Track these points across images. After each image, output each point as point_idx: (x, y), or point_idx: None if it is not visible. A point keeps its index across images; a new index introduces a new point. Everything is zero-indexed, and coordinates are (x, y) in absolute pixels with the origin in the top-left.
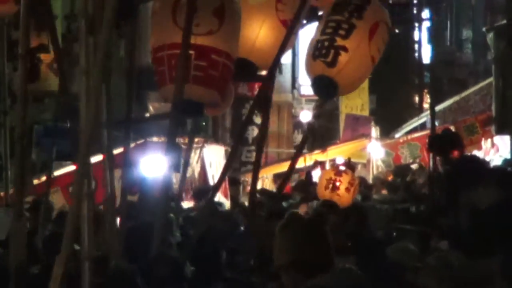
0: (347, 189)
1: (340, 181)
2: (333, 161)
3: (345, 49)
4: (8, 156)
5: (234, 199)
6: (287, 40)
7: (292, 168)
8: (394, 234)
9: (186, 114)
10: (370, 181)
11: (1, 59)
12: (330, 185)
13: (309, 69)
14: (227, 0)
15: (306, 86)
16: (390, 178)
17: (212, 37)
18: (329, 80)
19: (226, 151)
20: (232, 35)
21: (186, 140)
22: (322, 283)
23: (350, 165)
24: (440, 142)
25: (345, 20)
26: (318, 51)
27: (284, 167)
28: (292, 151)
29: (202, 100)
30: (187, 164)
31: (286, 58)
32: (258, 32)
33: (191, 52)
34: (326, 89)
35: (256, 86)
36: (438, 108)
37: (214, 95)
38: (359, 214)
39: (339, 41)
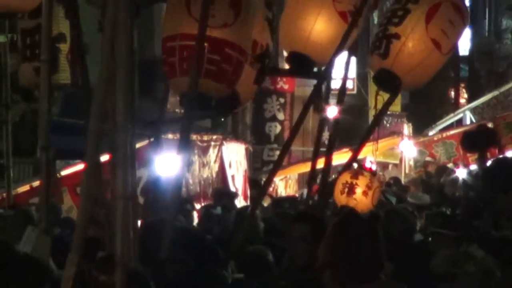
0: (364, 193)
1: (356, 184)
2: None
3: (397, 36)
4: (10, 154)
5: (255, 202)
6: (348, 34)
7: (328, 166)
8: (430, 238)
9: (195, 108)
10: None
11: (3, 50)
12: (346, 189)
13: (370, 65)
14: None
15: (333, 79)
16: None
17: (227, 30)
18: (386, 72)
19: (246, 149)
20: (247, 29)
21: (204, 138)
22: None
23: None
24: (475, 139)
25: (400, 7)
26: (373, 44)
27: (307, 167)
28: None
29: (211, 93)
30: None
31: None
32: (314, 24)
33: (204, 43)
34: (387, 83)
35: (279, 80)
36: (475, 103)
37: (224, 90)
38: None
39: (391, 30)
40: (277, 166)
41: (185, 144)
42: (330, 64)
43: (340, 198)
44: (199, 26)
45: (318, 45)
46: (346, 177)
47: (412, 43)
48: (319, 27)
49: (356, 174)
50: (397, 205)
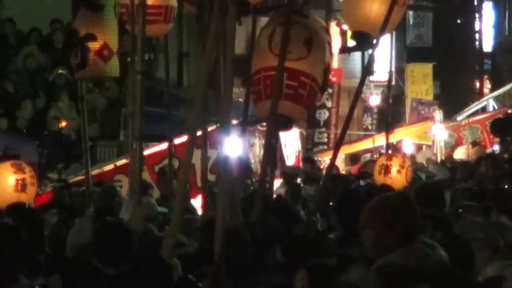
0: (398, 171)
1: (391, 165)
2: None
3: None
4: (87, 138)
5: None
6: (390, 12)
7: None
8: (460, 210)
9: (277, 128)
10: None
11: None
12: (383, 170)
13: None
14: (315, 34)
15: (375, 72)
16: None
17: (301, 62)
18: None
19: (300, 133)
20: (318, 62)
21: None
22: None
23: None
24: (502, 126)
25: None
26: None
27: (354, 147)
28: (362, 133)
29: (292, 114)
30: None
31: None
32: (371, 7)
33: (284, 73)
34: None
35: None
36: (497, 93)
37: (302, 111)
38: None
39: None
40: (337, 147)
41: (270, 151)
42: (380, 35)
43: (379, 178)
44: (279, 59)
45: (376, 24)
46: (382, 160)
47: None
48: (376, 9)
49: (390, 156)
50: (426, 180)
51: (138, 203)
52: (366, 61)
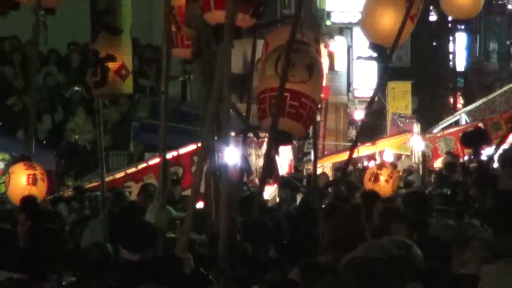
0: (386, 181)
1: (381, 174)
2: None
3: None
4: (102, 148)
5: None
6: (402, 27)
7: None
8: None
9: (279, 142)
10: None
11: None
12: (373, 178)
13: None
14: (316, 60)
15: (359, 89)
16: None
17: (303, 85)
18: None
19: (292, 144)
20: (318, 86)
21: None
22: (358, 253)
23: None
24: (471, 138)
25: None
26: None
27: (340, 157)
28: (348, 144)
29: (293, 131)
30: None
31: (341, 66)
32: (393, 24)
33: (287, 94)
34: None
35: None
36: (469, 108)
37: (301, 129)
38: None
39: None
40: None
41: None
42: (394, 48)
43: (368, 184)
44: (280, 82)
45: (390, 38)
46: (373, 169)
47: None
48: (390, 24)
49: (380, 166)
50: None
51: (163, 207)
52: (349, 80)
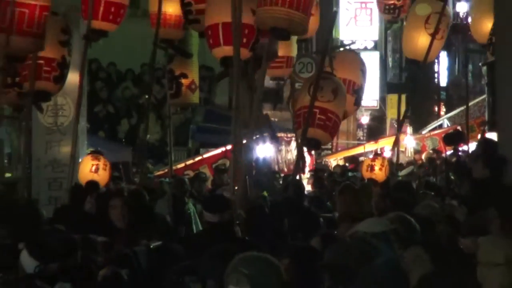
0: (380, 169)
1: (374, 164)
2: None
3: None
4: (171, 145)
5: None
6: (430, 46)
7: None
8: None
9: (310, 147)
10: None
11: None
12: (369, 168)
13: None
14: (340, 86)
15: (364, 100)
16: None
17: (329, 104)
18: None
19: None
20: (341, 105)
21: (288, 135)
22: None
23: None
24: (451, 138)
25: None
26: None
27: (350, 152)
28: (356, 142)
29: (321, 138)
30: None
31: None
32: (418, 40)
33: (316, 110)
34: None
35: None
36: (450, 115)
37: (328, 137)
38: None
39: None
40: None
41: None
42: (425, 61)
43: (366, 173)
44: (311, 100)
45: (422, 52)
46: (368, 161)
47: None
48: (422, 42)
49: (373, 159)
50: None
51: None
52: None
